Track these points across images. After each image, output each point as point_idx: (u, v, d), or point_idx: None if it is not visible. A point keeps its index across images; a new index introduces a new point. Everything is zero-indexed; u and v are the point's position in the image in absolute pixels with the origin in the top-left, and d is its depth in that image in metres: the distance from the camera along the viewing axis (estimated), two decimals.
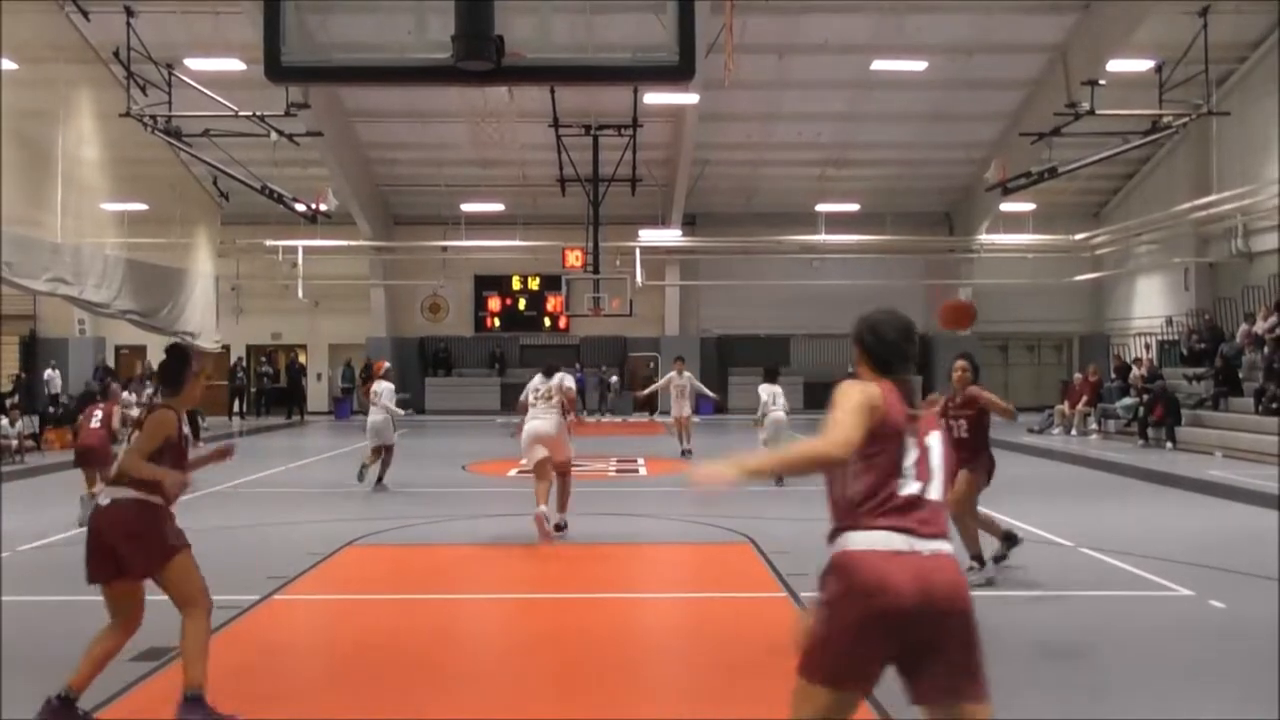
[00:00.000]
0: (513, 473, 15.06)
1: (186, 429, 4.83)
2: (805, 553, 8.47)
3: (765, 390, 13.36)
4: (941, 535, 2.97)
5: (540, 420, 9.37)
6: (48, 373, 21.90)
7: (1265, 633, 6.04)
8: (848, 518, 2.98)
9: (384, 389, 13.08)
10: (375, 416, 12.90)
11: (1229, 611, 6.57)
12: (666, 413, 20.81)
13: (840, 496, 3.04)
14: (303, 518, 10.71)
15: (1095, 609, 6.80)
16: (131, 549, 4.51)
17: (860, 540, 2.92)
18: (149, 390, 20.15)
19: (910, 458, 3.01)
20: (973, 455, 7.30)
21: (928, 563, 2.88)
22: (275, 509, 11.43)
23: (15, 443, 15.86)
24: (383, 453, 12.94)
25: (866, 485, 2.96)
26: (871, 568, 2.86)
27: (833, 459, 2.93)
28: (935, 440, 3.11)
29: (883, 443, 2.98)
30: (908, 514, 2.93)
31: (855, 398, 2.99)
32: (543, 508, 8.93)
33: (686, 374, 17.55)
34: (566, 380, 9.73)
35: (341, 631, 6.64)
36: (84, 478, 10.63)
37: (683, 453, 17.00)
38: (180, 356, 4.91)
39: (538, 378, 9.75)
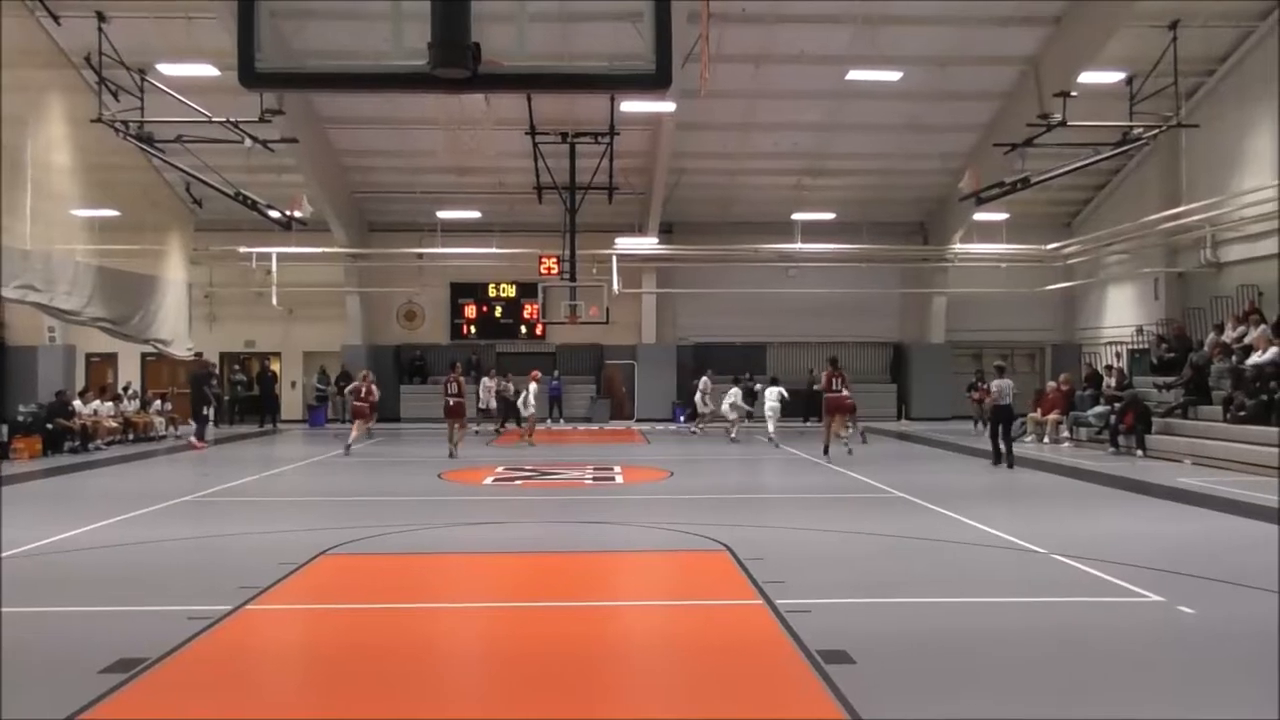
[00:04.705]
0: (488, 480, 15.02)
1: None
2: (781, 560, 8.53)
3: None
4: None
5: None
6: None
7: (1234, 637, 6.14)
8: None
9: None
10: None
11: (1198, 616, 6.66)
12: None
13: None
14: (275, 527, 10.63)
15: (1066, 615, 6.85)
16: (460, 412, 18.84)
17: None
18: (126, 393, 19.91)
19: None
20: None
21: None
22: (247, 518, 11.34)
23: None
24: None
25: None
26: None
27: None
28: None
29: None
30: None
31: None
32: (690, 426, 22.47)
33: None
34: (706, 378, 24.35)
35: (315, 641, 6.59)
36: (356, 424, 19.76)
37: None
38: (453, 364, 19.31)
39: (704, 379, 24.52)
